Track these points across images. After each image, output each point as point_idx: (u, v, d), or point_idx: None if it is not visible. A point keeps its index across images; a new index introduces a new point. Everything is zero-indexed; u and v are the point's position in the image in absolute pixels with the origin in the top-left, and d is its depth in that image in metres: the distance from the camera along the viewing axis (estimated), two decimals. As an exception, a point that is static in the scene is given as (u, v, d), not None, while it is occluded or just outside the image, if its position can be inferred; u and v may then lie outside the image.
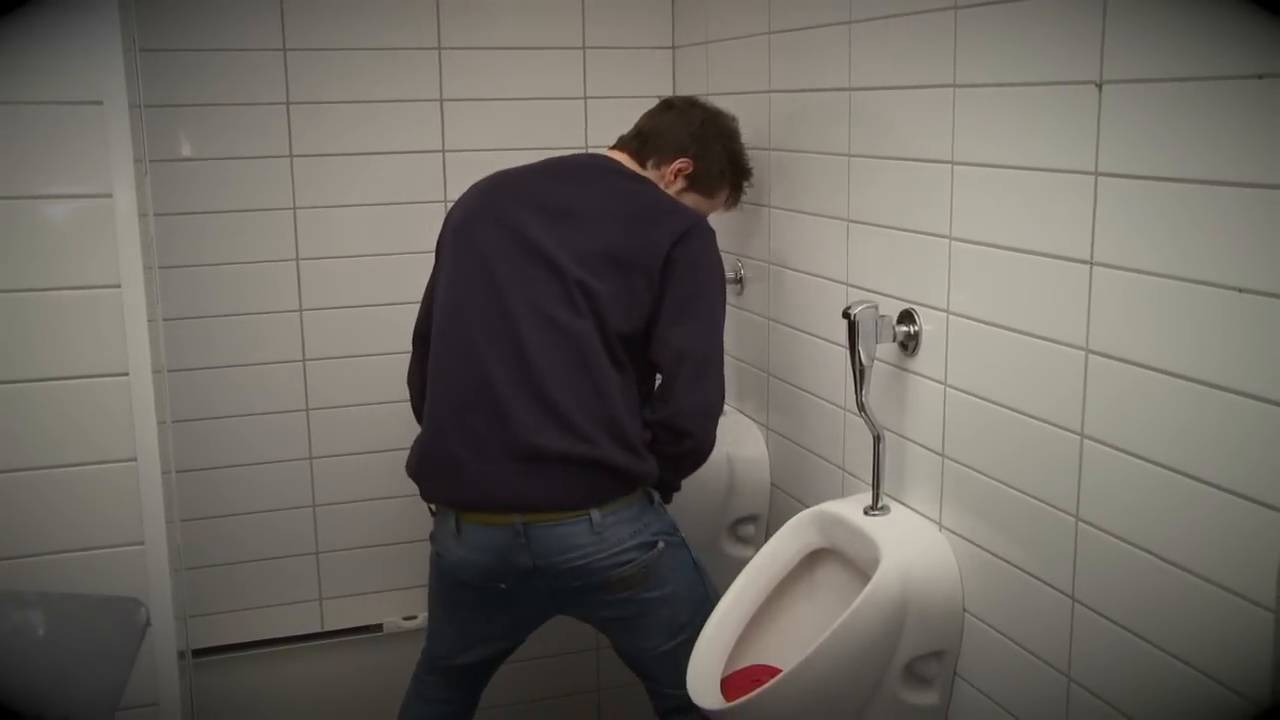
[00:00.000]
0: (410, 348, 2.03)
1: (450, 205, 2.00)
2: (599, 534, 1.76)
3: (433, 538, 1.93)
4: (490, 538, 1.79)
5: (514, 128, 2.47)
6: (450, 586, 1.92)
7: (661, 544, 1.81)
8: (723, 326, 1.89)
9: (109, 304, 1.74)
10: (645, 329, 1.82)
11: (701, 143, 1.98)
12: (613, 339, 1.78)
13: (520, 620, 1.96)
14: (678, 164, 1.97)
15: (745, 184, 2.10)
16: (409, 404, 2.04)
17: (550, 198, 1.86)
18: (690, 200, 2.00)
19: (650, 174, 1.97)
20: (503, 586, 1.82)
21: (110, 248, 1.72)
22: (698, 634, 1.78)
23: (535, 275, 1.79)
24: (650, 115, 2.03)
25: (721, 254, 1.92)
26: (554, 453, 1.73)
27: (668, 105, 2.05)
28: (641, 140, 1.98)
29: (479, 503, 1.79)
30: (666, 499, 1.95)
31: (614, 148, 2.02)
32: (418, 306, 2.01)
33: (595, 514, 1.75)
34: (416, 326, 2.00)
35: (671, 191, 1.97)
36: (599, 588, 1.80)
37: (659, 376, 1.89)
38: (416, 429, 1.96)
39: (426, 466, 1.86)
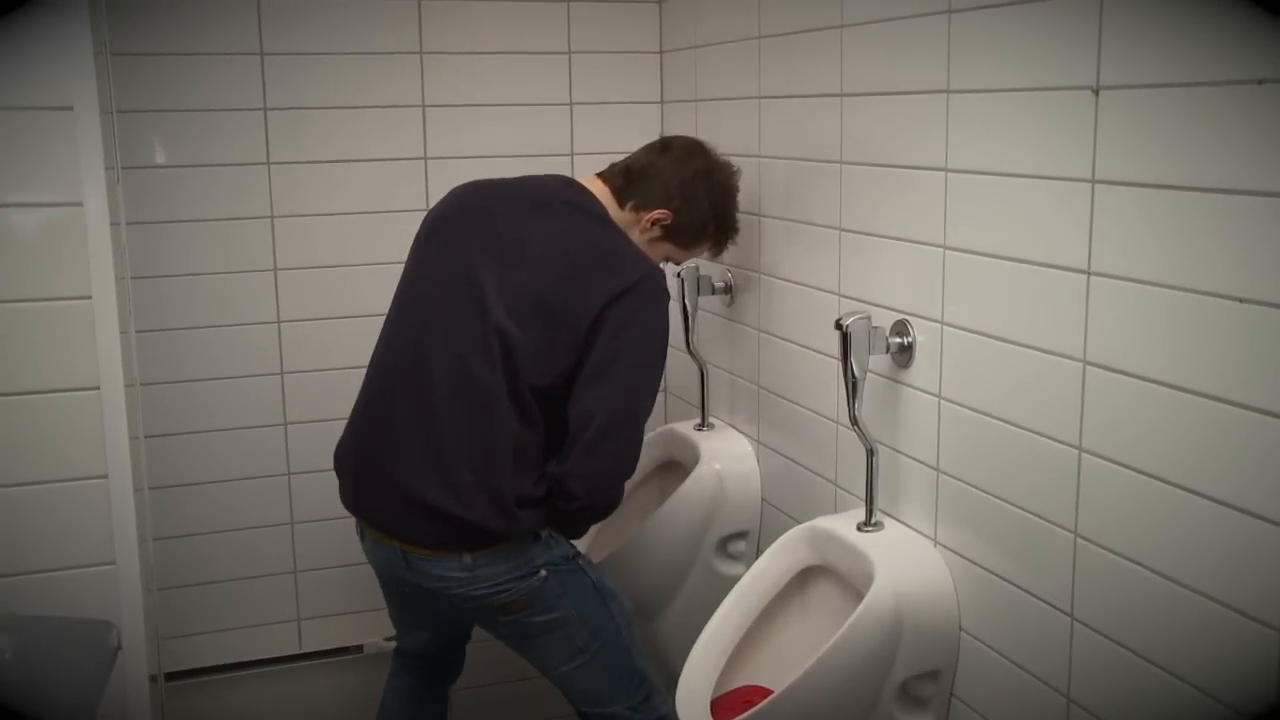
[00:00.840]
0: None
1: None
2: (472, 571, 1.79)
3: None
4: (382, 552, 1.88)
5: (498, 134, 2.47)
6: (378, 578, 2.01)
7: (544, 572, 1.82)
8: (650, 390, 1.82)
9: (79, 316, 1.72)
10: (566, 382, 1.78)
11: (688, 196, 1.93)
12: (524, 393, 1.76)
13: (437, 618, 2.01)
14: (656, 214, 1.91)
15: (729, 241, 2.06)
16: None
17: (506, 226, 1.83)
18: (662, 249, 1.97)
19: (626, 215, 1.91)
20: (405, 590, 1.91)
21: (81, 258, 1.70)
22: (605, 657, 1.85)
23: (461, 314, 1.78)
24: (647, 152, 1.98)
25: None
26: (431, 504, 1.77)
27: (666, 146, 1.99)
28: (628, 179, 1.93)
29: (368, 519, 1.89)
30: (571, 536, 1.92)
31: (601, 174, 1.97)
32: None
33: (467, 558, 1.78)
34: None
35: (644, 238, 1.93)
36: (486, 609, 1.84)
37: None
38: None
39: (340, 464, 1.95)
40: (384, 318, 1.93)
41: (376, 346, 1.92)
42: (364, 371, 1.95)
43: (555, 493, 1.81)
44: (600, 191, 1.93)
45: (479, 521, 1.76)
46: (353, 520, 2.44)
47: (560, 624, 1.86)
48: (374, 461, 1.85)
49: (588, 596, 1.88)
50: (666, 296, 1.85)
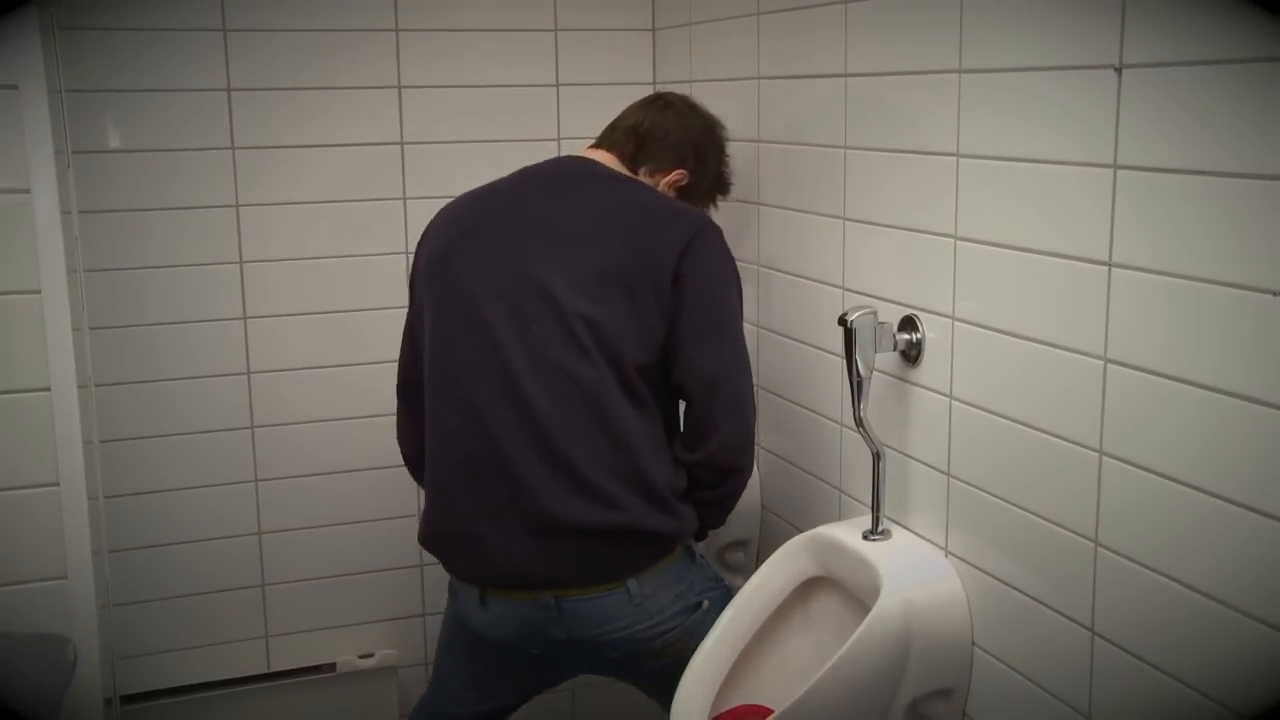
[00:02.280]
0: (395, 400, 1.98)
1: (417, 229, 1.96)
2: (639, 605, 1.73)
3: (453, 595, 1.90)
4: (519, 612, 1.77)
5: (479, 118, 2.46)
6: (472, 640, 1.89)
7: (705, 604, 1.80)
8: (742, 331, 1.84)
9: (28, 312, 1.72)
10: (663, 354, 1.76)
11: (701, 155, 1.96)
12: (630, 375, 1.72)
13: (545, 681, 1.96)
14: (675, 175, 1.93)
15: (724, 198, 2.10)
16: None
17: (535, 216, 1.80)
18: None
19: (642, 180, 1.92)
20: (535, 652, 1.82)
21: (29, 249, 1.69)
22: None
23: (532, 315, 1.72)
24: (646, 112, 1.95)
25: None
26: (580, 524, 1.69)
27: (666, 103, 1.98)
28: (638, 143, 1.91)
29: (504, 580, 1.76)
30: (719, 524, 1.90)
31: (597, 146, 1.95)
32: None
33: (633, 584, 1.72)
34: (400, 378, 1.95)
35: None
36: (641, 656, 1.78)
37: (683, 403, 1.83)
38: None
39: (442, 544, 1.83)
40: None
41: (429, 397, 1.80)
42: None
43: (705, 479, 1.77)
44: (608, 160, 1.92)
45: (641, 524, 1.69)
46: (324, 529, 2.43)
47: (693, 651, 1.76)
48: (493, 509, 1.73)
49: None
50: (720, 232, 1.85)
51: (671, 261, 1.73)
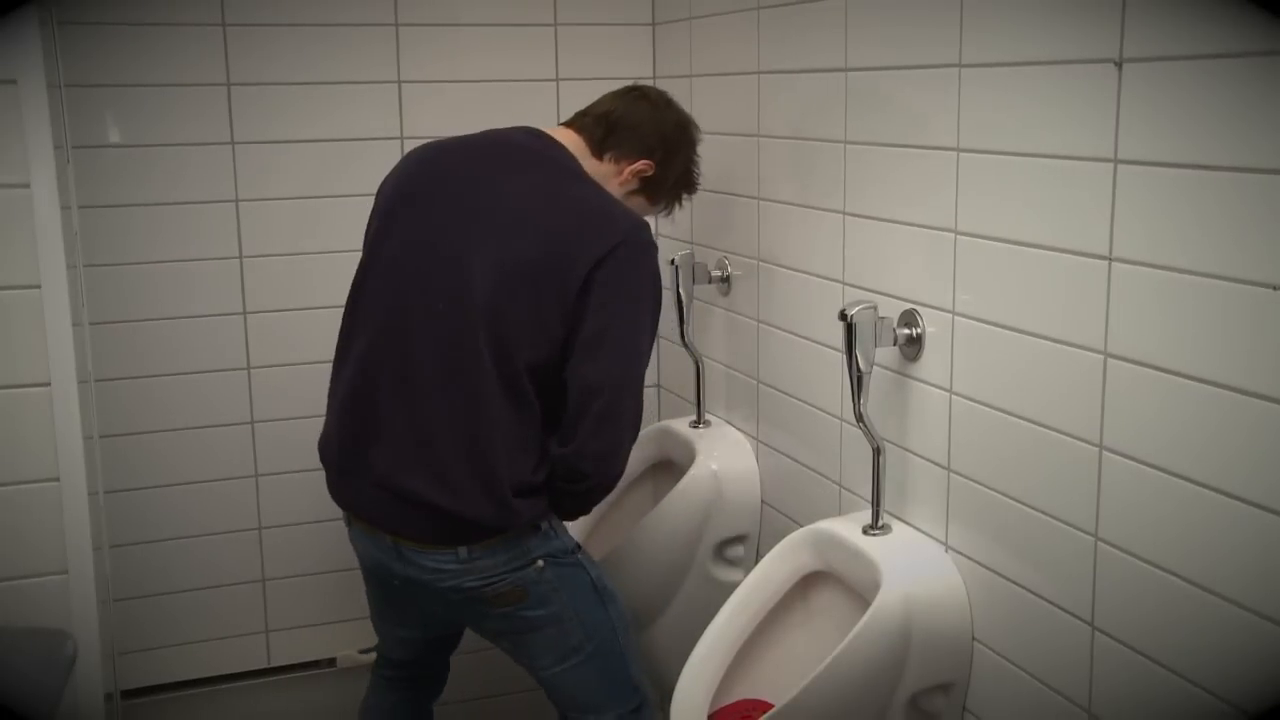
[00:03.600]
0: None
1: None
2: (467, 563, 1.80)
3: None
4: (371, 544, 1.89)
5: (479, 112, 2.44)
6: (364, 571, 2.02)
7: (541, 563, 1.83)
8: (647, 351, 1.84)
9: (27, 306, 1.71)
10: (559, 355, 1.78)
11: (669, 149, 1.97)
12: (517, 372, 1.75)
13: (425, 615, 2.01)
14: (639, 165, 1.93)
15: (688, 197, 2.11)
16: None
17: (479, 190, 1.82)
18: (635, 202, 1.98)
19: (604, 166, 1.92)
20: (395, 583, 1.90)
21: (28, 244, 1.69)
22: (598, 661, 1.86)
23: (440, 294, 1.77)
24: (620, 101, 1.97)
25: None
26: (418, 496, 1.77)
27: (641, 95, 2.00)
28: (608, 128, 1.92)
29: (355, 512, 1.89)
30: (574, 517, 1.93)
31: (569, 124, 1.97)
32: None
33: (463, 550, 1.79)
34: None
35: (622, 191, 1.94)
36: (478, 601, 1.84)
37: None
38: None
39: (321, 455, 1.94)
40: (347, 298, 1.91)
41: (346, 327, 1.90)
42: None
43: (563, 474, 1.80)
44: (572, 141, 1.91)
45: (471, 515, 1.75)
46: (325, 524, 2.44)
47: (554, 620, 1.86)
48: (359, 453, 1.84)
49: (585, 594, 1.88)
50: (654, 249, 1.83)
51: (584, 269, 1.74)
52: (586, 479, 1.81)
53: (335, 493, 1.92)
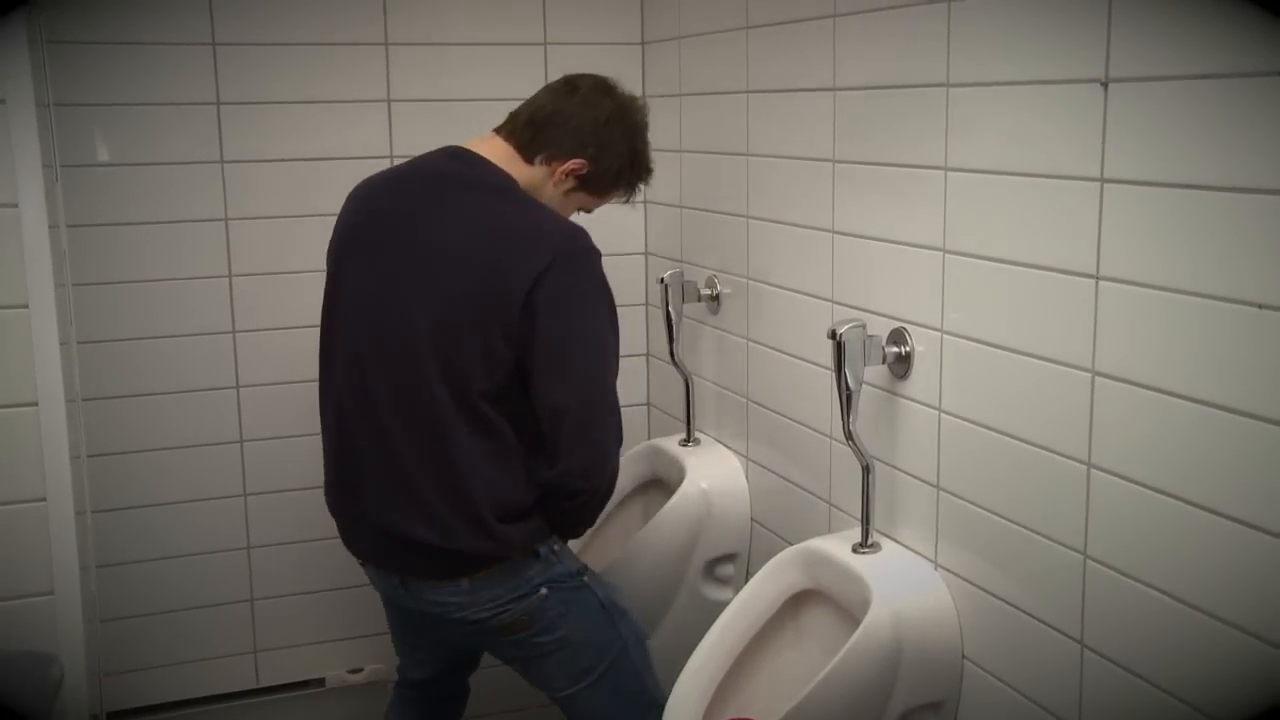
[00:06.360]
0: None
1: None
2: (472, 594, 1.81)
3: None
4: (383, 582, 1.93)
5: (469, 132, 2.44)
6: (382, 601, 2.06)
7: (544, 590, 1.82)
8: (611, 356, 1.82)
9: (15, 325, 1.70)
10: (517, 378, 1.76)
11: (604, 142, 1.87)
12: (474, 402, 1.74)
13: (442, 642, 2.05)
14: (571, 164, 1.85)
15: (644, 183, 2.01)
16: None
17: (411, 228, 1.79)
18: (576, 199, 1.93)
19: (536, 170, 1.85)
20: (411, 616, 1.95)
21: (16, 263, 1.68)
22: (612, 679, 1.87)
23: (391, 335, 1.76)
24: (551, 96, 1.89)
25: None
26: (412, 538, 1.79)
27: (572, 88, 1.90)
28: (534, 129, 1.85)
29: (363, 559, 1.95)
30: (577, 533, 1.93)
31: (500, 129, 1.90)
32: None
33: (464, 582, 1.80)
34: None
35: (558, 191, 1.88)
36: (488, 631, 1.86)
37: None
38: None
39: (328, 507, 1.97)
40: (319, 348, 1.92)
41: (322, 378, 1.91)
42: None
43: (556, 494, 1.80)
44: (498, 152, 1.86)
45: (463, 548, 1.76)
46: (314, 543, 2.44)
47: (564, 644, 1.86)
48: (352, 503, 1.88)
49: (593, 615, 1.88)
50: (593, 255, 1.79)
51: (522, 292, 1.72)
52: (579, 494, 1.81)
53: (345, 541, 1.95)
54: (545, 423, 1.77)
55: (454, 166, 1.85)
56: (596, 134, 1.87)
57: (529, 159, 1.86)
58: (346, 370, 1.84)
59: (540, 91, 1.93)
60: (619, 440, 1.85)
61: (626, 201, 2.05)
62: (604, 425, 1.81)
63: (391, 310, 1.78)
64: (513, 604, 1.81)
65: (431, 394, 1.74)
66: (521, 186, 1.85)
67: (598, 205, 2.00)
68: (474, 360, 1.74)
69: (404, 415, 1.77)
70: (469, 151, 1.86)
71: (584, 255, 1.78)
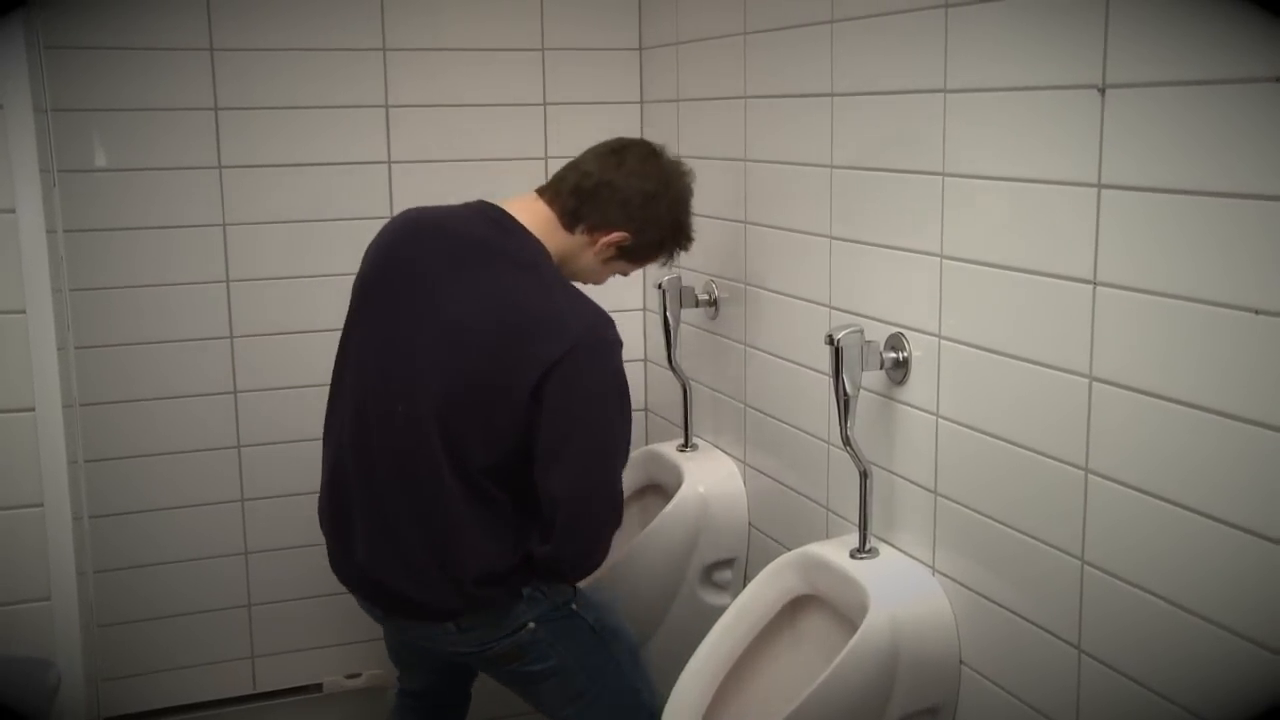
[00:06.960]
0: None
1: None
2: (458, 635, 1.82)
3: None
4: (368, 609, 1.93)
5: (466, 137, 2.46)
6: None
7: (532, 625, 1.83)
8: (620, 447, 1.80)
9: (13, 331, 1.71)
10: (518, 456, 1.74)
11: (649, 215, 1.85)
12: (473, 475, 1.74)
13: (437, 663, 2.06)
14: (615, 236, 1.83)
15: (684, 250, 1.98)
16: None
17: (435, 292, 1.76)
18: (615, 267, 1.91)
19: (577, 238, 1.83)
20: (405, 641, 1.97)
21: (13, 268, 1.68)
22: (608, 699, 1.89)
23: (396, 401, 1.75)
24: (598, 163, 1.85)
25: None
26: (397, 591, 1.81)
27: (620, 158, 1.86)
28: (579, 199, 1.82)
29: (350, 588, 1.93)
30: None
31: (543, 191, 1.86)
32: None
33: (450, 625, 1.81)
34: None
35: (597, 260, 1.86)
36: (480, 662, 1.91)
37: None
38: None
39: (320, 524, 1.95)
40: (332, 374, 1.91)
41: (330, 406, 1.90)
42: (325, 390, 1.92)
43: (543, 570, 1.80)
44: (539, 218, 1.82)
45: (437, 605, 1.78)
46: (311, 548, 2.42)
47: (556, 671, 1.87)
48: (344, 535, 1.88)
49: (584, 641, 1.88)
50: (609, 347, 1.76)
51: (534, 378, 1.69)
52: (565, 576, 1.84)
53: (333, 567, 1.94)
54: (545, 505, 1.76)
55: (487, 232, 1.80)
56: (643, 208, 1.84)
57: (570, 227, 1.83)
58: (351, 420, 1.83)
59: (586, 154, 1.89)
60: (617, 522, 1.82)
61: (664, 265, 2.03)
62: (599, 520, 1.79)
63: (402, 371, 1.76)
64: (501, 639, 1.82)
65: (432, 462, 1.73)
66: (555, 254, 1.82)
67: (635, 270, 2.00)
68: (478, 437, 1.73)
69: (402, 475, 1.76)
70: (507, 216, 1.81)
71: (603, 346, 1.75)
